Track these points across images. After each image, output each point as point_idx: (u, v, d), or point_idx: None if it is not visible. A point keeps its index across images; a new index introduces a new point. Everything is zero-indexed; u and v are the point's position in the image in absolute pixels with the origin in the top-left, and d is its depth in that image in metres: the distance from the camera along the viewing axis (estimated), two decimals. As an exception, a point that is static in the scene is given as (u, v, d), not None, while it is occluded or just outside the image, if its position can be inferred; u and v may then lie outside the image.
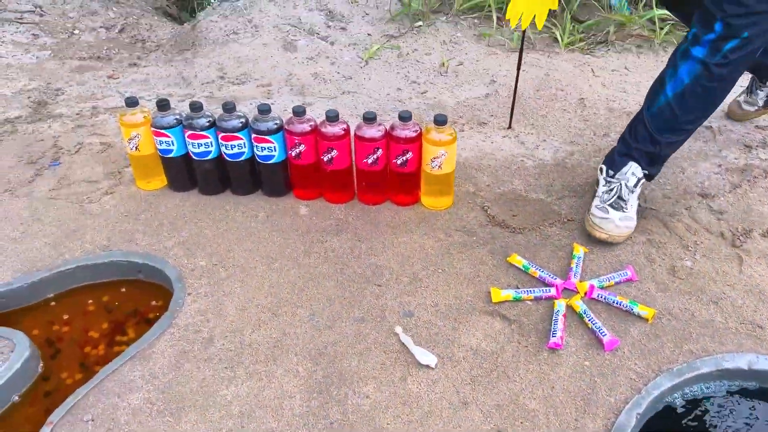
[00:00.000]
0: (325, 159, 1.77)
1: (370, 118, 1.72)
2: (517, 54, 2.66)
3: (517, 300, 1.53)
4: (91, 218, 1.81)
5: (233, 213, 1.83)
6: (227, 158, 1.82)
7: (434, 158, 1.72)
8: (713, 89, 1.57)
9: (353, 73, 2.48)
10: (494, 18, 2.74)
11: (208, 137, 1.79)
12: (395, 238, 1.73)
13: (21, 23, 2.88)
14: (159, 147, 1.83)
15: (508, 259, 1.64)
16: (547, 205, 1.84)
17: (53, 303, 1.61)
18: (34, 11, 2.97)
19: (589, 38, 2.73)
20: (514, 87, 2.12)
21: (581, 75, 2.50)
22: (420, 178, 1.82)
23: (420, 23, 2.73)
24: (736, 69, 1.55)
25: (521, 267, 1.61)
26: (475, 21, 2.79)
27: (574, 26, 2.72)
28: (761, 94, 2.13)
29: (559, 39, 2.68)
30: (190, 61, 2.60)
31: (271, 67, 2.51)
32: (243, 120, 1.78)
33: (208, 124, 1.78)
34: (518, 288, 1.56)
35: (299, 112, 1.75)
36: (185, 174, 1.89)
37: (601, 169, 1.79)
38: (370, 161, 1.75)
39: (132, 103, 1.80)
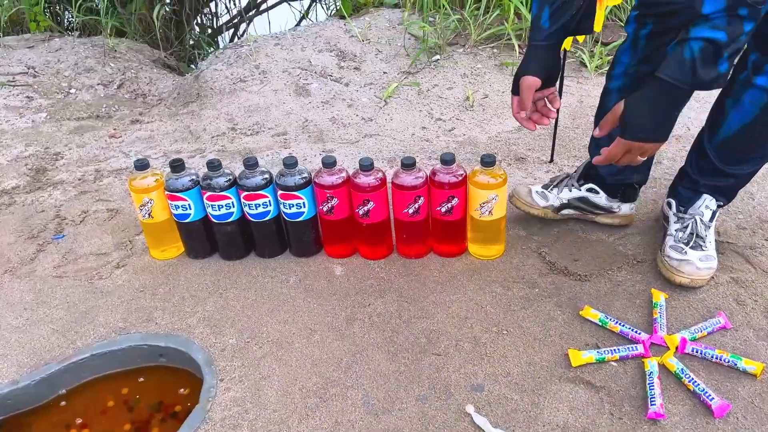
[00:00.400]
0: (361, 212, 1.58)
1: (408, 165, 1.54)
2: None
3: (600, 362, 1.33)
4: (103, 297, 1.62)
5: (261, 279, 1.64)
6: (251, 219, 1.64)
7: (483, 204, 1.54)
8: None
9: (373, 115, 2.31)
10: (515, 46, 2.59)
11: (230, 197, 1.61)
12: (446, 296, 1.53)
13: (14, 86, 2.72)
14: (174, 212, 1.65)
15: (580, 312, 1.44)
16: (610, 245, 1.65)
17: (65, 402, 1.40)
18: (26, 72, 2.82)
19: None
20: (554, 122, 1.95)
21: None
22: (466, 225, 1.63)
23: (437, 57, 2.57)
24: None
25: (597, 321, 1.42)
26: (494, 51, 2.63)
27: (599, 49, 2.56)
28: None
29: (587, 63, 2.52)
30: (196, 114, 2.44)
31: (285, 114, 2.34)
32: (267, 176, 1.61)
33: (228, 183, 1.60)
34: (599, 348, 1.36)
35: (329, 163, 1.57)
36: (204, 239, 1.70)
37: (669, 204, 1.61)
38: (410, 211, 1.57)
39: (142, 166, 1.63)
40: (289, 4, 4.24)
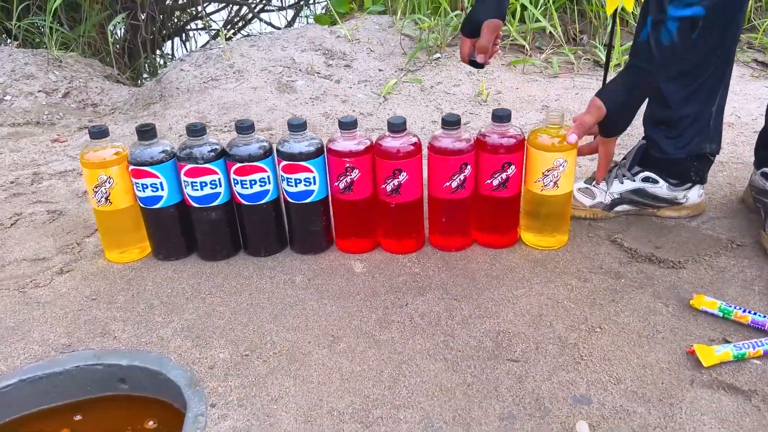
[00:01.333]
0: (388, 188, 1.22)
1: (452, 123, 1.20)
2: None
3: (739, 359, 0.97)
4: (39, 308, 1.19)
5: (257, 280, 1.24)
6: (243, 201, 1.25)
7: (548, 171, 1.20)
8: None
9: (372, 110, 1.98)
10: (527, 47, 2.33)
11: (215, 172, 1.22)
12: (507, 291, 1.17)
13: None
14: (141, 195, 1.25)
15: (691, 302, 1.10)
16: (694, 230, 1.33)
17: (-21, 447, 0.96)
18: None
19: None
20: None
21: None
22: (520, 205, 1.29)
23: (438, 55, 2.29)
24: None
25: (717, 311, 1.07)
26: (499, 52, 2.37)
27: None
28: None
29: (603, 59, 2.28)
30: (160, 114, 2.05)
31: (268, 110, 1.99)
32: (265, 144, 1.24)
33: (213, 153, 1.22)
34: (733, 342, 1.01)
35: (348, 123, 1.21)
36: (179, 232, 1.30)
37: (765, 175, 1.30)
38: (454, 185, 1.22)
39: (99, 132, 1.23)
40: (261, 20, 3.96)
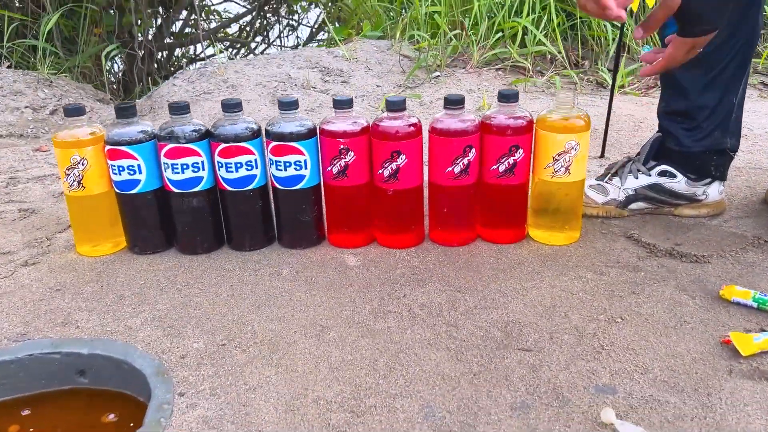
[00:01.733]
0: (386, 173, 1.12)
1: (455, 102, 1.11)
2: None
3: (782, 348, 0.86)
4: (-4, 298, 1.07)
5: (239, 272, 1.13)
6: (227, 187, 1.15)
7: (559, 155, 1.11)
8: None
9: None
10: (528, 67, 2.28)
11: (198, 153, 1.13)
12: (516, 283, 1.06)
13: None
14: (117, 178, 1.15)
15: (721, 293, 0.99)
16: (716, 228, 1.23)
17: None
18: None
19: (637, 83, 2.29)
20: (607, 110, 1.59)
21: (650, 108, 2.01)
22: (527, 196, 1.19)
23: (438, 74, 2.23)
24: None
25: (750, 301, 0.96)
26: (499, 72, 2.32)
27: (623, 73, 2.28)
28: None
29: (608, 81, 2.22)
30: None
31: (262, 120, 1.90)
32: (253, 126, 1.14)
33: (196, 134, 1.13)
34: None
35: (344, 101, 1.13)
36: (157, 221, 1.19)
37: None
38: (457, 170, 1.12)
39: (75, 110, 1.14)
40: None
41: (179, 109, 1.12)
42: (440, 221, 1.18)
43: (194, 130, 1.13)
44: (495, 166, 1.12)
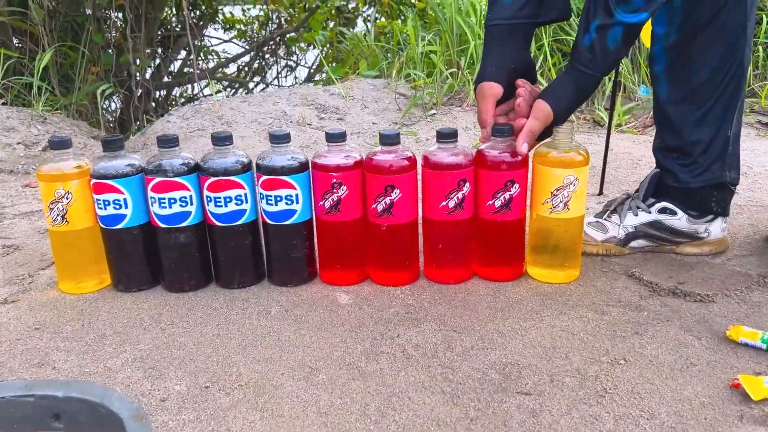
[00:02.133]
0: (379, 208, 1.09)
1: (447, 136, 1.09)
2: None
3: (796, 392, 0.81)
4: (-29, 337, 1.02)
5: (226, 311, 1.08)
6: (215, 222, 1.12)
7: (557, 191, 1.08)
8: None
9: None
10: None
11: (187, 187, 1.10)
12: (515, 323, 1.02)
13: None
14: (102, 213, 1.11)
15: (728, 334, 0.95)
16: (719, 266, 1.20)
17: None
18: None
19: (634, 122, 2.28)
20: (605, 147, 1.57)
21: (648, 146, 1.99)
22: (524, 232, 1.16)
23: (434, 112, 2.22)
24: None
25: (759, 342, 0.92)
26: (495, 110, 2.31)
27: (619, 111, 2.28)
28: None
29: (605, 119, 2.22)
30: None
31: (255, 156, 1.89)
32: (244, 159, 1.12)
33: (185, 167, 1.10)
34: (783, 372, 0.85)
35: (337, 135, 1.10)
36: (143, 258, 1.15)
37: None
38: (452, 204, 1.09)
39: (61, 143, 1.12)
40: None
41: (167, 141, 1.10)
42: (435, 258, 1.15)
43: (183, 164, 1.10)
44: (491, 201, 1.09)
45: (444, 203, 1.09)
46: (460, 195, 1.08)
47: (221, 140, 1.10)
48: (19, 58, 3.07)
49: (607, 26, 1.03)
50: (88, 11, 3.48)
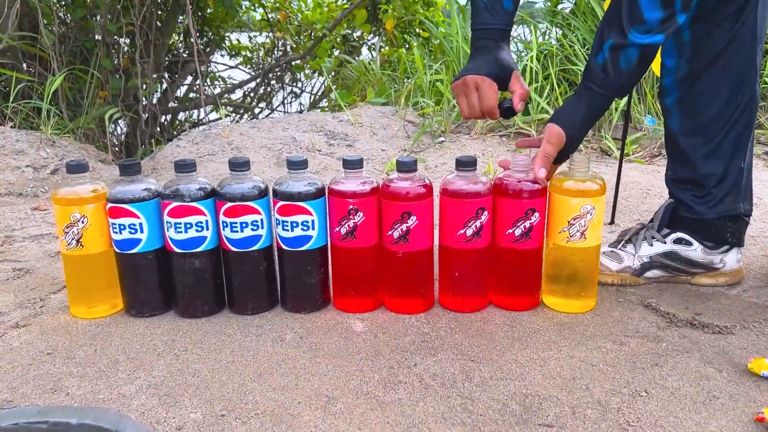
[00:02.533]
0: (395, 235, 1.09)
1: (467, 164, 1.09)
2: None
3: (823, 427, 0.80)
4: (-17, 361, 1.01)
5: (240, 337, 1.07)
6: (230, 248, 1.11)
7: (574, 219, 1.08)
8: None
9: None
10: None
11: (203, 212, 1.10)
12: (533, 353, 1.01)
13: None
14: (117, 237, 1.11)
15: (749, 366, 0.94)
16: (736, 297, 1.19)
17: None
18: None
19: (641, 152, 2.29)
20: (617, 177, 1.57)
21: (657, 176, 2.00)
22: (542, 262, 1.15)
23: (442, 139, 2.23)
24: None
25: (782, 375, 0.91)
26: (503, 139, 2.32)
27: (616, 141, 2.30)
28: None
29: (613, 149, 2.22)
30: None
31: (267, 181, 1.89)
32: (261, 185, 1.12)
33: (201, 192, 1.10)
34: (810, 406, 0.84)
35: (354, 162, 1.10)
36: (157, 283, 1.14)
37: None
38: (469, 233, 1.09)
39: (78, 167, 1.12)
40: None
41: (185, 166, 1.10)
42: (451, 286, 1.14)
43: (199, 188, 1.10)
44: (511, 230, 1.09)
45: (462, 231, 1.08)
46: (478, 223, 1.08)
47: (239, 166, 1.10)
48: (29, 81, 3.09)
49: (621, 46, 1.04)
50: (98, 37, 3.52)
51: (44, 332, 1.11)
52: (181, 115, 4.53)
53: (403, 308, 1.14)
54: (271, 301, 1.17)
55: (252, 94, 4.85)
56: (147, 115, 3.71)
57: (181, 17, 4.23)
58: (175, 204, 1.08)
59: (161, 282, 1.14)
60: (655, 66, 1.42)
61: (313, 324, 1.11)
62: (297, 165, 1.10)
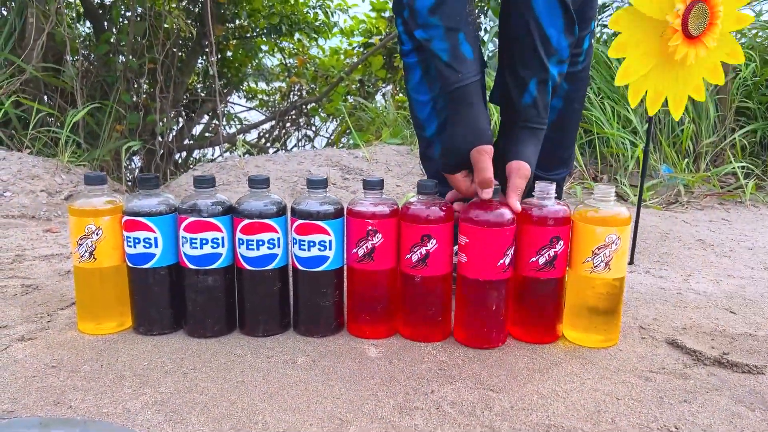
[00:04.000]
0: (414, 258, 1.06)
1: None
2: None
3: None
4: (-15, 371, 0.98)
5: (251, 358, 1.04)
6: (246, 266, 1.09)
7: (598, 250, 1.05)
8: None
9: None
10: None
11: (219, 229, 1.08)
12: (555, 385, 0.96)
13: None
14: (130, 251, 1.09)
15: (784, 404, 0.89)
16: (763, 340, 1.15)
17: None
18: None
19: (658, 198, 2.27)
20: (636, 216, 1.55)
21: (675, 221, 1.98)
22: (564, 293, 1.12)
23: (457, 177, 2.22)
24: None
25: (819, 415, 0.86)
26: (519, 181, 2.31)
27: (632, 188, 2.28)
28: None
29: (630, 194, 2.21)
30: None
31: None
32: (279, 203, 1.10)
33: (219, 208, 1.08)
34: None
35: (374, 182, 1.09)
36: (167, 300, 1.12)
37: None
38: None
39: (96, 178, 1.11)
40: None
41: (204, 182, 1.09)
42: (465, 317, 1.10)
43: (217, 204, 1.08)
44: (535, 258, 1.06)
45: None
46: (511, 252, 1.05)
47: (258, 183, 1.09)
48: (49, 113, 3.13)
49: (544, 81, 1.11)
50: (119, 72, 3.58)
51: (50, 346, 1.08)
52: (196, 153, 4.56)
53: (419, 335, 1.11)
54: (284, 323, 1.14)
55: (267, 135, 4.90)
56: (163, 150, 3.74)
57: (201, 58, 4.32)
58: (192, 219, 1.07)
59: (172, 300, 1.12)
60: (677, 109, 1.41)
61: (326, 348, 1.08)
62: (317, 184, 1.08)
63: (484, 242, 1.04)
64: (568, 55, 1.13)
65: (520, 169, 1.08)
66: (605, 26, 3.14)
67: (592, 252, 1.05)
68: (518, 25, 1.10)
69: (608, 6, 3.24)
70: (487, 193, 1.04)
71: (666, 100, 1.42)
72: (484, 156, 1.06)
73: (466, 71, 1.08)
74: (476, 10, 1.16)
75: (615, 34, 2.65)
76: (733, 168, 2.44)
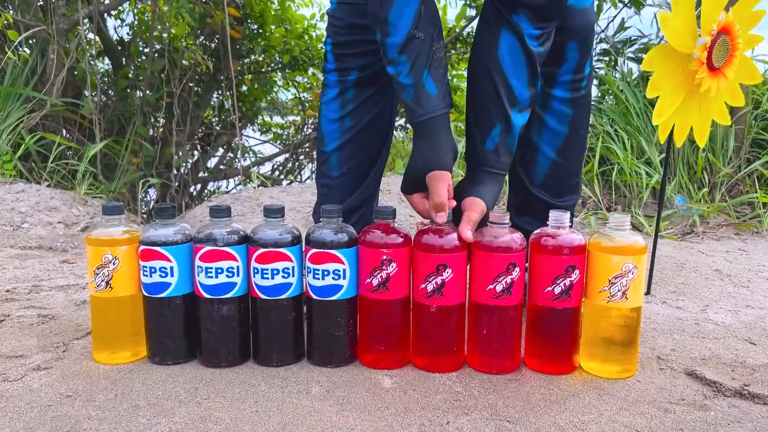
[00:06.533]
0: (430, 287, 1.06)
1: (330, 211, 1.10)
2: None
3: None
4: (2, 401, 0.98)
5: (265, 388, 1.04)
6: (260, 295, 1.09)
7: (615, 279, 1.04)
8: None
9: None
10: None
11: (235, 258, 1.08)
12: (572, 416, 0.95)
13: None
14: (146, 280, 1.10)
15: (808, 436, 0.87)
16: (785, 370, 1.13)
17: None
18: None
19: (673, 228, 2.26)
20: (653, 246, 1.54)
21: (691, 251, 1.96)
22: (580, 323, 1.11)
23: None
24: None
25: None
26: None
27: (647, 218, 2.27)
28: None
29: (645, 225, 2.19)
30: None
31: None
32: (295, 232, 1.11)
33: (234, 237, 1.09)
34: None
35: (387, 212, 1.09)
36: (182, 330, 1.12)
37: None
38: (498, 288, 1.05)
39: (114, 208, 1.12)
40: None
41: (220, 211, 1.10)
42: (479, 345, 1.09)
43: (233, 233, 1.09)
44: (550, 288, 1.06)
45: (491, 287, 1.05)
46: (509, 279, 1.05)
47: (273, 212, 1.10)
48: (68, 146, 3.18)
49: (508, 129, 1.16)
50: (136, 107, 3.64)
51: (65, 376, 1.08)
52: (211, 185, 4.61)
53: (434, 366, 1.10)
54: (297, 353, 1.13)
55: (281, 168, 4.94)
56: (178, 182, 3.78)
57: (216, 93, 4.39)
58: (207, 248, 1.07)
59: (186, 329, 1.12)
60: (701, 136, 1.42)
61: (340, 378, 1.07)
62: (331, 213, 1.09)
63: (476, 266, 1.08)
64: (530, 105, 1.18)
65: (474, 204, 1.12)
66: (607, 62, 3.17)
67: (609, 281, 1.05)
68: (482, 74, 1.17)
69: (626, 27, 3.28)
70: (440, 217, 1.09)
71: (691, 130, 1.42)
72: (439, 181, 1.11)
73: (429, 107, 1.14)
74: (443, 50, 1.18)
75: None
76: (750, 198, 2.43)
